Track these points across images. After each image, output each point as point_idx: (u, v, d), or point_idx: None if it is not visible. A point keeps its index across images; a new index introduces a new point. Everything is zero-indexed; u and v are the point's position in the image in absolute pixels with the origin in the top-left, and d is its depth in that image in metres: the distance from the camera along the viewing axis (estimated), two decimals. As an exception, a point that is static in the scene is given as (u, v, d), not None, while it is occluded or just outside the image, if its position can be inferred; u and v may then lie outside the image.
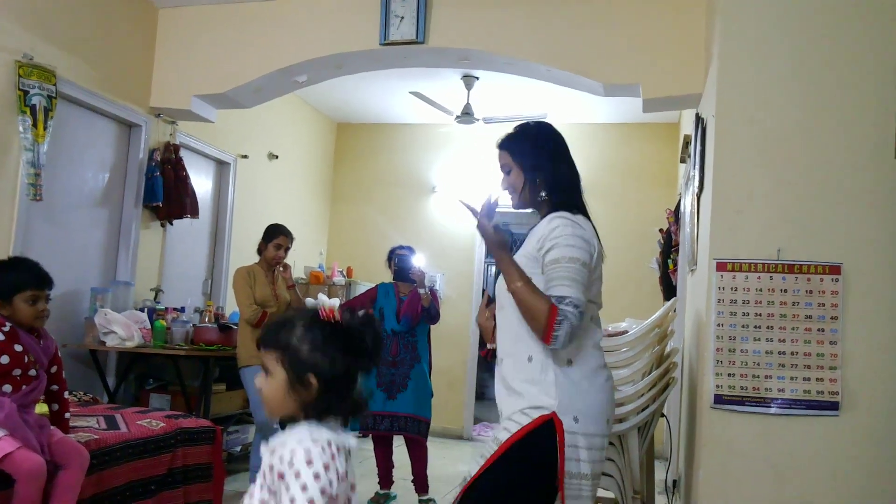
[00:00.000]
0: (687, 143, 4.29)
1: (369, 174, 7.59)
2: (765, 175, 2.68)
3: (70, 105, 4.30)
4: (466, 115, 6.10)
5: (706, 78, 3.55)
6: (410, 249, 4.68)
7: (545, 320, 1.79)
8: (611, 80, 4.15)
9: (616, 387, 3.11)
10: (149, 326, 4.50)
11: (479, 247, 7.21)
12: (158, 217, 4.96)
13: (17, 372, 2.69)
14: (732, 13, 2.80)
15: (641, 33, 4.09)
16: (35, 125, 3.89)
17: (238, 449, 5.02)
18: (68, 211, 4.38)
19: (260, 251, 4.34)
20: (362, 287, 6.32)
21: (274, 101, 5.45)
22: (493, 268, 8.96)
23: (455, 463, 5.80)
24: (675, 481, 3.97)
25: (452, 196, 7.26)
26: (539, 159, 2.00)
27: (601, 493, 2.80)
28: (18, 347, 2.70)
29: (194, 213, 5.06)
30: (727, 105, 2.77)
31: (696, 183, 3.35)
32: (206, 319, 5.00)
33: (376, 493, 4.50)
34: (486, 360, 2.13)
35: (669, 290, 4.84)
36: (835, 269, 2.58)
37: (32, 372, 2.74)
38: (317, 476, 1.30)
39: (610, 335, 3.29)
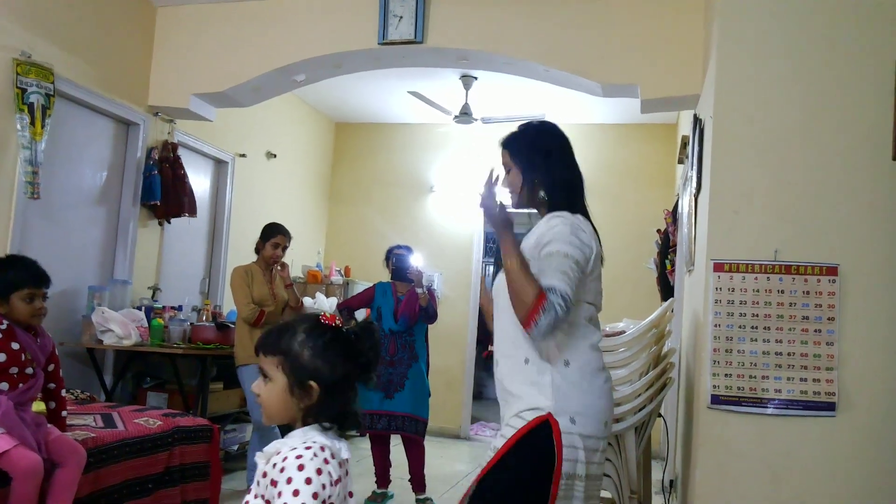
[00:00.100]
0: (685, 144, 4.30)
1: (367, 173, 7.59)
2: (762, 176, 2.68)
3: (68, 103, 4.30)
4: (465, 114, 6.10)
5: (704, 79, 3.55)
6: (408, 249, 4.68)
7: (531, 305, 1.77)
8: (609, 81, 4.16)
9: (613, 387, 3.13)
10: (146, 325, 4.50)
11: (477, 246, 7.22)
12: (156, 216, 4.96)
13: (14, 370, 2.68)
14: (731, 14, 2.81)
15: (640, 34, 4.09)
16: (33, 123, 3.88)
17: (235, 448, 5.02)
18: (66, 209, 4.38)
19: (258, 250, 4.34)
20: (360, 286, 6.32)
21: (272, 100, 5.45)
22: (492, 267, 8.97)
23: (452, 462, 5.81)
24: (671, 481, 3.98)
25: (450, 196, 7.27)
26: (537, 159, 1.99)
27: (598, 492, 2.80)
28: (15, 345, 2.70)
29: (192, 211, 5.06)
30: (725, 106, 2.77)
31: (694, 184, 3.35)
32: (204, 318, 4.99)
33: (373, 492, 4.50)
34: (487, 362, 2.12)
35: (667, 290, 4.85)
36: (832, 271, 2.59)
37: (29, 370, 2.73)
38: (308, 481, 1.29)
39: (607, 335, 3.29)
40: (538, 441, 1.80)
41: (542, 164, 1.99)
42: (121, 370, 4.62)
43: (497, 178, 1.97)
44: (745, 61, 2.75)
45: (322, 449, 1.35)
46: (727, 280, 2.66)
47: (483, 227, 7.27)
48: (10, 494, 2.54)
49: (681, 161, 4.78)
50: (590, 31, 4.18)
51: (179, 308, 4.96)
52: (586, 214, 2.00)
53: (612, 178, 6.63)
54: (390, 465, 4.56)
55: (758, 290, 2.63)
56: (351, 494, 1.44)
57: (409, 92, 6.08)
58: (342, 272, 6.98)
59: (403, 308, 4.45)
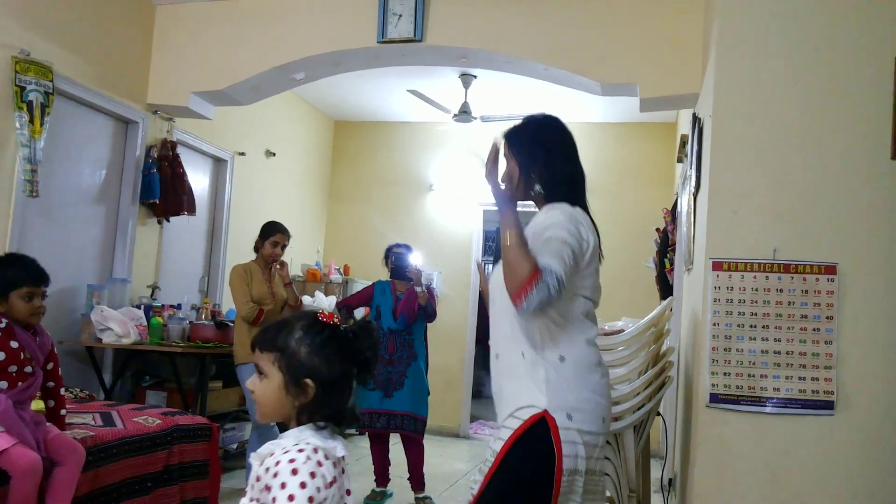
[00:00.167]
0: (684, 143, 4.30)
1: (367, 172, 7.59)
2: (761, 175, 2.69)
3: (67, 101, 4.30)
4: (464, 113, 6.10)
5: (703, 78, 3.55)
6: (407, 247, 4.69)
7: (524, 278, 1.74)
8: (608, 80, 4.16)
9: (612, 385, 3.12)
10: (145, 323, 4.50)
11: (477, 245, 7.22)
12: (155, 214, 4.96)
13: (13, 368, 2.68)
14: (730, 14, 2.81)
15: (639, 33, 4.09)
16: (32, 121, 3.88)
17: (234, 446, 5.02)
18: (65, 207, 4.38)
19: (257, 249, 4.34)
20: (359, 285, 6.32)
21: (271, 99, 5.44)
22: (490, 266, 8.97)
23: (451, 461, 5.81)
24: (670, 480, 3.98)
25: (450, 195, 7.27)
26: (538, 153, 1.98)
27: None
28: (14, 344, 2.70)
29: (191, 210, 5.06)
30: (724, 105, 2.77)
31: (693, 182, 3.35)
32: (203, 317, 4.99)
33: (373, 491, 4.50)
34: (487, 360, 2.10)
35: (666, 289, 4.85)
36: (830, 269, 2.59)
37: (28, 369, 2.73)
38: (303, 485, 1.28)
39: (606, 334, 3.30)
40: (536, 440, 1.79)
41: (543, 157, 1.98)
42: (120, 369, 4.62)
43: (501, 151, 1.94)
44: (744, 60, 2.76)
45: (315, 450, 1.34)
46: (726, 279, 2.66)
47: (482, 225, 7.27)
48: (10, 493, 2.54)
49: (680, 160, 4.78)
50: (589, 30, 4.18)
51: (178, 306, 4.96)
52: (586, 209, 1.99)
53: (611, 177, 6.64)
54: (389, 464, 4.57)
55: (756, 289, 2.64)
56: (349, 492, 1.43)
57: (408, 90, 6.08)
58: (341, 271, 6.98)
59: (402, 307, 4.45)
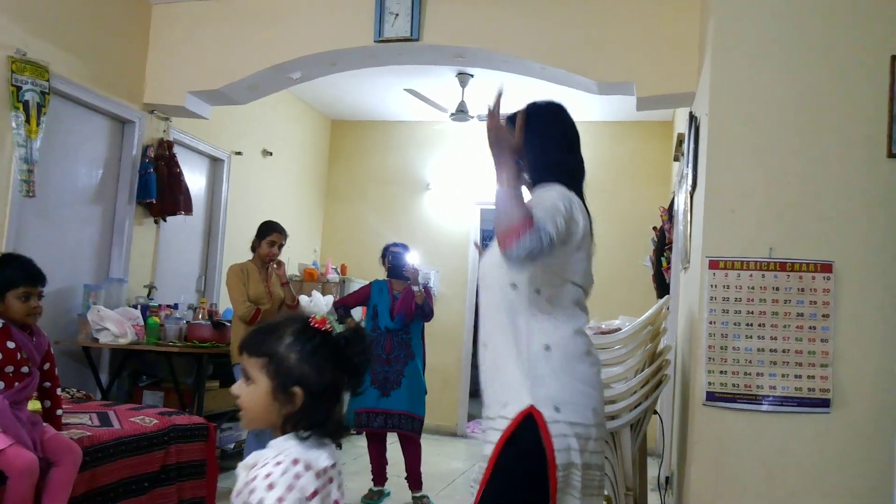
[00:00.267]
0: (680, 142, 4.30)
1: (364, 171, 7.58)
2: (758, 173, 2.69)
3: (63, 101, 4.29)
4: (461, 112, 6.10)
5: (700, 77, 3.56)
6: (404, 247, 4.68)
7: (516, 224, 1.66)
8: (605, 79, 4.16)
9: (609, 384, 3.13)
10: (142, 323, 4.50)
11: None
12: (152, 214, 4.95)
13: (10, 369, 2.68)
14: (726, 12, 2.81)
15: (635, 32, 4.09)
16: (28, 121, 3.87)
17: (231, 446, 5.02)
18: (61, 207, 4.37)
19: (254, 248, 4.34)
20: (356, 284, 6.32)
21: (268, 98, 5.44)
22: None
23: (449, 460, 5.81)
24: (667, 478, 3.99)
25: (447, 194, 7.27)
26: (532, 139, 1.90)
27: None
28: (11, 344, 2.69)
29: (188, 209, 5.05)
30: (720, 103, 2.77)
31: (690, 181, 3.36)
32: (200, 316, 4.99)
33: (370, 490, 4.50)
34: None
35: (663, 287, 4.85)
36: (826, 268, 2.59)
37: (25, 369, 2.73)
38: (280, 500, 1.25)
39: (603, 332, 3.30)
40: (525, 439, 1.74)
41: (538, 143, 1.92)
42: (117, 369, 4.61)
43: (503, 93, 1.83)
44: (740, 59, 2.76)
45: (295, 462, 1.29)
46: (722, 277, 2.67)
47: (479, 224, 7.27)
48: (6, 493, 2.53)
49: (676, 158, 4.78)
50: (586, 28, 4.18)
51: (175, 306, 4.95)
52: (582, 200, 1.94)
53: (608, 176, 6.64)
54: (387, 463, 4.57)
55: (753, 288, 2.64)
56: (337, 503, 1.38)
57: (405, 89, 6.08)
58: (338, 270, 6.97)
59: (399, 306, 4.45)
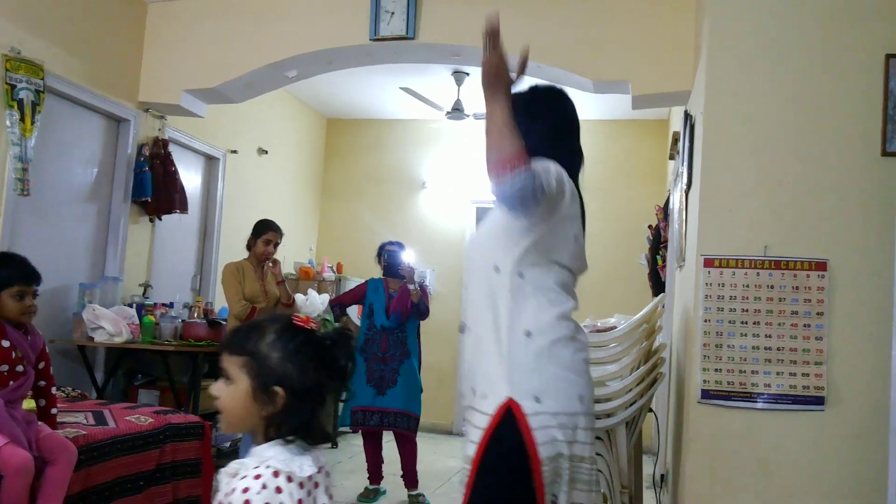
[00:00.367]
0: (676, 140, 4.31)
1: (359, 170, 7.58)
2: (752, 172, 2.70)
3: (58, 99, 4.28)
4: (457, 110, 6.11)
5: (695, 75, 3.56)
6: (400, 245, 4.68)
7: (511, 155, 1.57)
8: (600, 77, 4.16)
9: (604, 382, 3.14)
10: (137, 322, 4.49)
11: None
12: (147, 212, 4.94)
13: (5, 368, 2.67)
14: (722, 12, 2.82)
15: (631, 31, 4.10)
16: (22, 120, 3.86)
17: (227, 445, 5.02)
18: (56, 206, 4.36)
19: (249, 247, 4.33)
20: (352, 283, 6.31)
21: (264, 96, 5.43)
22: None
23: (444, 458, 5.82)
24: (662, 476, 4.00)
25: (443, 192, 7.27)
26: (522, 122, 1.74)
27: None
28: (6, 343, 2.69)
29: (183, 208, 5.04)
30: (715, 102, 2.78)
31: (685, 179, 3.36)
32: (195, 315, 4.98)
33: (366, 489, 4.50)
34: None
35: (658, 285, 4.86)
36: (821, 266, 2.60)
37: (20, 368, 2.73)
38: None
39: (598, 330, 3.30)
40: (506, 435, 1.65)
41: (531, 128, 1.79)
42: (112, 367, 4.60)
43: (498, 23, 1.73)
44: (735, 58, 2.77)
45: (276, 474, 1.24)
46: (717, 275, 2.68)
47: (475, 223, 7.27)
48: (1, 492, 2.53)
49: (672, 157, 4.79)
50: (581, 27, 4.18)
51: (171, 305, 4.94)
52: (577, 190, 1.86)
53: (603, 174, 6.65)
54: (382, 462, 4.57)
55: (747, 286, 2.65)
56: None
57: (401, 88, 6.08)
58: (334, 269, 6.97)
59: (395, 304, 4.45)
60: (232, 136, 5.99)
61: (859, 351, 2.57)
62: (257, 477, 1.23)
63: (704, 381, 2.66)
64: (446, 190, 7.26)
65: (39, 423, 2.83)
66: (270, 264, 4.32)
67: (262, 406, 1.30)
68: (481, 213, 7.23)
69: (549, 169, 1.71)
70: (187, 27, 4.79)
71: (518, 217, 1.71)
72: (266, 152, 6.49)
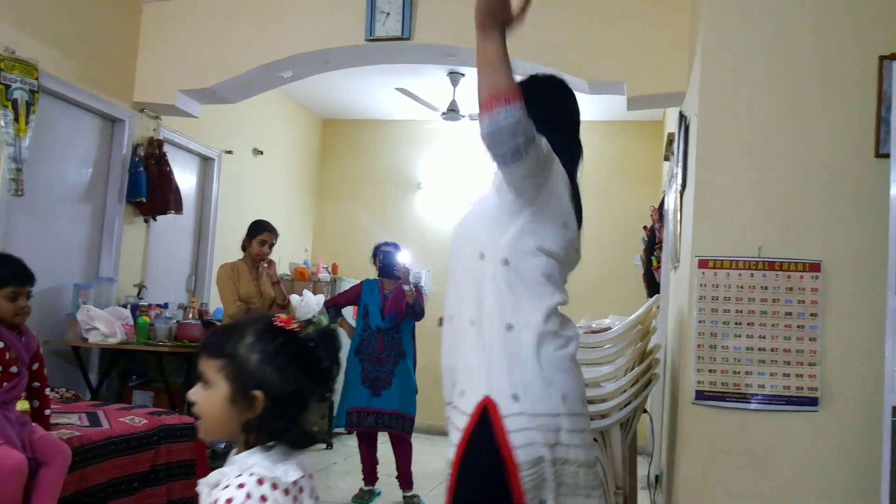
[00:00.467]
0: (671, 141, 4.32)
1: (355, 170, 7.58)
2: (747, 173, 2.70)
3: (53, 99, 4.27)
4: (452, 111, 6.11)
5: (690, 76, 3.57)
6: (395, 246, 4.69)
7: (502, 90, 1.48)
8: (596, 78, 4.17)
9: (599, 383, 3.14)
10: (132, 323, 4.48)
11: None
12: (142, 213, 4.93)
13: (-1, 368, 2.67)
14: (716, 12, 2.82)
15: (626, 32, 4.11)
16: (17, 120, 3.85)
17: (222, 446, 5.00)
18: (51, 206, 4.35)
19: (244, 247, 4.33)
20: (347, 284, 6.31)
21: (259, 97, 5.42)
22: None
23: (440, 459, 5.80)
24: (657, 476, 4.00)
25: (438, 193, 7.27)
26: None
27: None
28: (0, 344, 2.68)
29: (178, 208, 5.03)
30: (710, 103, 2.79)
31: (680, 180, 3.37)
32: (190, 316, 4.98)
33: (361, 490, 4.50)
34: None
35: (653, 286, 4.87)
36: (815, 267, 2.61)
37: (14, 369, 2.72)
38: None
39: (593, 331, 3.31)
40: (485, 437, 1.56)
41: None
42: (106, 368, 4.59)
43: None
44: (730, 59, 2.77)
45: (260, 482, 1.19)
46: (711, 276, 2.68)
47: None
48: (-5, 493, 2.52)
49: (667, 158, 4.80)
50: (577, 28, 4.19)
51: (165, 306, 4.94)
52: (574, 185, 1.80)
53: (598, 175, 6.65)
54: (377, 463, 4.56)
55: (742, 287, 2.65)
56: None
57: (396, 88, 6.08)
58: (329, 269, 6.96)
59: (390, 305, 4.45)
60: (227, 137, 5.98)
61: (853, 352, 2.57)
62: (240, 486, 1.18)
63: (699, 382, 2.67)
64: (442, 191, 7.26)
65: (33, 424, 2.82)
66: (266, 265, 4.32)
67: (242, 411, 1.25)
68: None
69: (541, 139, 1.61)
70: (182, 27, 4.78)
71: (508, 170, 1.58)
72: (261, 153, 6.49)
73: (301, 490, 1.26)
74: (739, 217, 2.69)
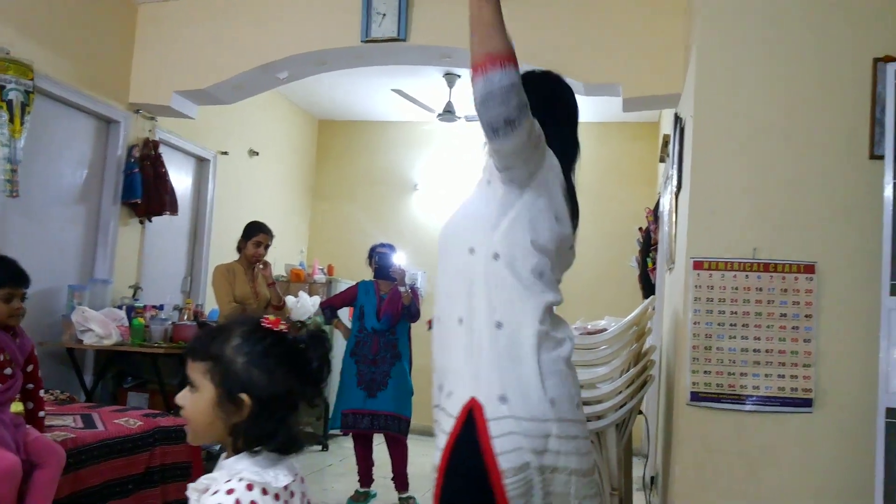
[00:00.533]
0: (666, 143, 4.33)
1: (351, 171, 7.57)
2: (742, 175, 2.71)
3: (48, 100, 4.26)
4: (448, 112, 6.11)
5: (685, 78, 3.58)
6: (391, 247, 4.69)
7: (497, 51, 1.44)
8: (591, 80, 4.18)
9: (594, 384, 3.14)
10: (127, 324, 4.47)
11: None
12: (137, 214, 4.92)
13: (-7, 370, 2.66)
14: (711, 14, 2.83)
15: (622, 33, 4.11)
16: (12, 120, 3.84)
17: (217, 448, 4.99)
18: (46, 208, 4.34)
19: (240, 249, 4.33)
20: (343, 285, 6.30)
21: (255, 98, 5.42)
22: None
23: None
24: (652, 477, 4.01)
25: (434, 194, 7.27)
26: None
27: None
28: (-7, 345, 2.67)
29: (173, 210, 5.02)
30: (705, 105, 2.79)
31: (675, 182, 3.38)
32: (186, 317, 4.97)
33: (356, 492, 4.49)
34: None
35: (648, 288, 4.88)
36: (809, 268, 2.62)
37: (8, 371, 2.71)
38: None
39: (589, 333, 3.31)
40: (471, 441, 1.51)
41: None
42: (101, 370, 4.58)
43: None
44: (725, 61, 2.78)
45: (250, 488, 1.16)
46: (706, 278, 2.69)
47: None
48: (-12, 496, 2.52)
49: (662, 159, 4.81)
50: (572, 30, 4.19)
51: (161, 307, 4.92)
52: (570, 184, 1.76)
53: (594, 177, 6.65)
54: (373, 464, 4.56)
55: (737, 288, 2.66)
56: None
57: (392, 90, 6.08)
58: (325, 271, 6.96)
59: (386, 307, 4.45)
60: (223, 138, 5.97)
61: (847, 353, 2.58)
62: (230, 492, 1.15)
63: (694, 384, 2.67)
64: (438, 192, 7.25)
65: (27, 426, 2.81)
66: (261, 266, 4.31)
67: (229, 415, 1.22)
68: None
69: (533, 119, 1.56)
70: (178, 28, 4.78)
71: (500, 142, 1.52)
72: (257, 154, 6.48)
73: (292, 494, 1.24)
74: (734, 218, 2.70)
